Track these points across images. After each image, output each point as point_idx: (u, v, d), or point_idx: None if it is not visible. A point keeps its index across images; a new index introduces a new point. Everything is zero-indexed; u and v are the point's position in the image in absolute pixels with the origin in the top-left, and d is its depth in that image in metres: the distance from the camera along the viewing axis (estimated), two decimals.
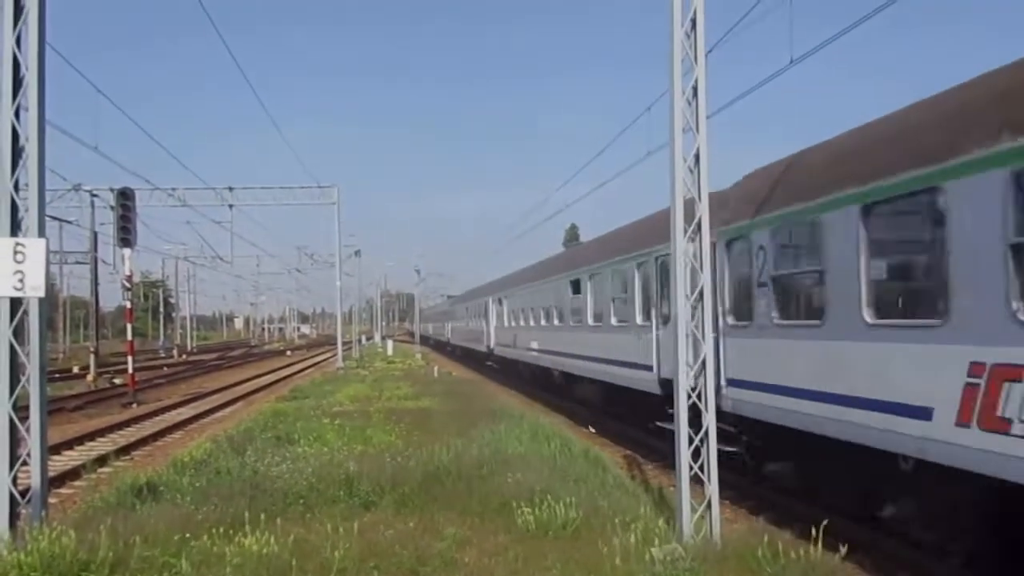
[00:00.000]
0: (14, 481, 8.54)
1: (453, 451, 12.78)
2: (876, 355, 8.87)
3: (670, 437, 9.50)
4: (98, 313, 47.01)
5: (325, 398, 24.69)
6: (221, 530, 8.45)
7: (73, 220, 42.44)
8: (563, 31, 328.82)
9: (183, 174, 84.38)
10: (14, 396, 8.52)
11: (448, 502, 10.10)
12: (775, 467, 12.41)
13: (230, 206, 44.43)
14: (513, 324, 33.84)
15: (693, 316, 8.82)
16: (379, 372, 38.85)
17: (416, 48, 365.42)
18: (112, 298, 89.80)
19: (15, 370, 8.55)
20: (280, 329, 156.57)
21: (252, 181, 43.65)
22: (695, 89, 8.69)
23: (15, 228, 8.54)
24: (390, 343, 71.30)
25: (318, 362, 61.18)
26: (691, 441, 8.64)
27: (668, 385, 11.39)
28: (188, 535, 8.35)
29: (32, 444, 8.52)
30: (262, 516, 8.96)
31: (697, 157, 8.73)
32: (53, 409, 22.50)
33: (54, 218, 40.15)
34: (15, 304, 8.53)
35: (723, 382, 12.34)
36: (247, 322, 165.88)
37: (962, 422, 7.45)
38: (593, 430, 20.45)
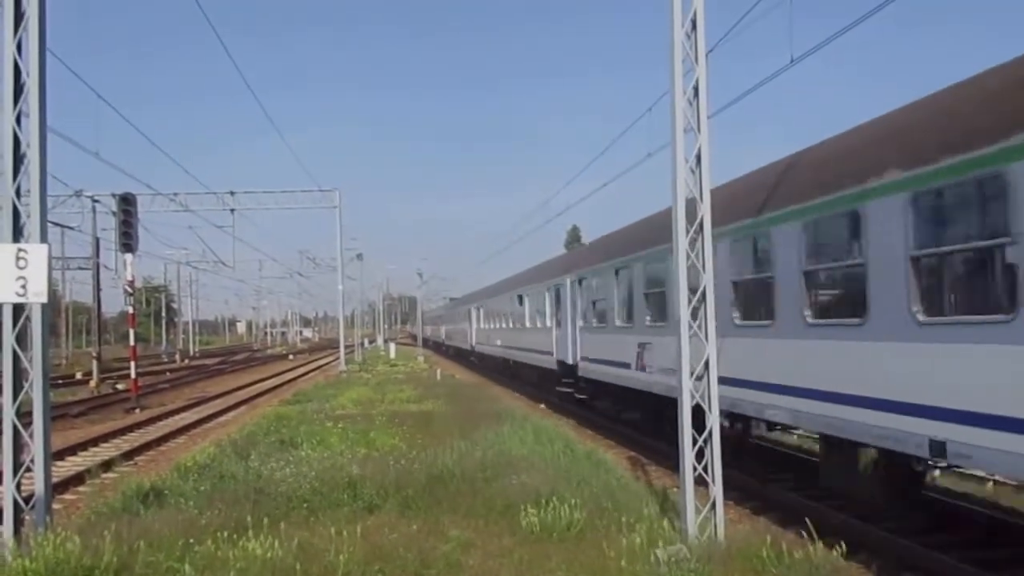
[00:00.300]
0: (18, 487, 8.55)
1: (456, 453, 12.77)
2: (624, 339, 17.71)
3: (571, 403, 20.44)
4: (100, 318, 47.02)
5: (328, 401, 24.69)
6: (225, 535, 8.46)
7: (75, 226, 42.42)
8: (564, 35, 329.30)
9: (185, 179, 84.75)
10: (17, 402, 8.53)
11: (452, 505, 10.10)
12: (601, 403, 22.05)
13: (232, 210, 44.48)
14: (486, 327, 43.97)
15: (696, 317, 8.80)
16: (382, 375, 38.84)
17: (418, 53, 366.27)
18: (114, 303, 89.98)
19: (18, 376, 8.56)
20: (282, 333, 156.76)
21: (254, 186, 43.65)
22: (696, 89, 8.69)
23: (17, 234, 8.56)
24: (392, 346, 71.30)
25: (321, 366, 61.20)
26: (695, 442, 8.63)
27: (560, 364, 24.35)
28: (192, 540, 8.35)
29: (36, 450, 8.53)
30: (266, 520, 8.95)
31: (698, 157, 8.73)
32: (56, 415, 22.48)
33: (56, 224, 40.15)
34: (18, 310, 8.54)
35: (579, 358, 22.46)
36: (249, 326, 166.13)
37: (636, 367, 16.80)
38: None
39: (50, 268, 8.57)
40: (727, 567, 7.72)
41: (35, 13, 8.55)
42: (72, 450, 19.28)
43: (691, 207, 8.76)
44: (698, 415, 8.67)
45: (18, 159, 8.58)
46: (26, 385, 8.57)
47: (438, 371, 39.34)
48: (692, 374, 8.68)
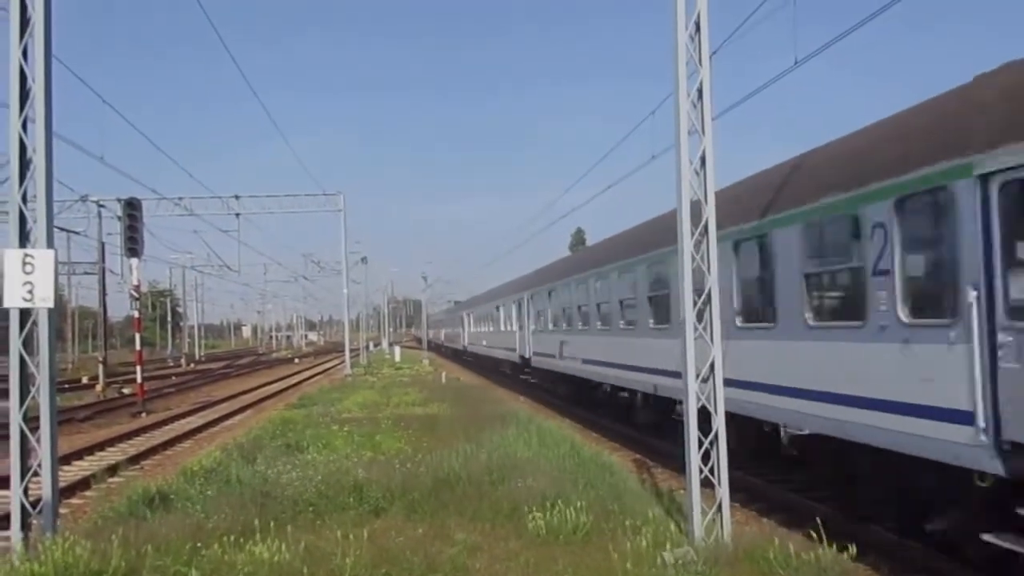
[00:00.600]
0: (25, 492, 8.57)
1: (462, 456, 12.77)
2: (552, 338, 26.07)
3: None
4: (106, 323, 47.13)
5: (334, 405, 24.71)
6: (232, 538, 8.46)
7: (81, 231, 42.60)
8: (568, 38, 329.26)
9: (190, 183, 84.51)
10: (24, 407, 8.55)
11: (458, 508, 10.10)
12: (548, 386, 30.23)
13: (237, 215, 44.49)
14: (475, 330, 53.76)
15: (701, 319, 8.80)
16: (387, 379, 38.85)
17: (422, 57, 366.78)
18: (120, 308, 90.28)
19: (25, 381, 8.58)
20: (288, 337, 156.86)
21: (259, 190, 43.71)
22: (700, 91, 8.69)
23: (24, 239, 8.59)
24: (397, 349, 71.25)
25: (326, 369, 61.25)
26: (700, 444, 8.62)
27: (521, 358, 33.32)
28: (199, 544, 8.36)
29: (43, 455, 8.55)
30: (272, 524, 8.96)
31: (703, 159, 8.73)
32: (62, 419, 22.57)
33: (62, 229, 40.29)
34: (24, 315, 8.56)
35: (531, 353, 30.96)
36: (255, 330, 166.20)
37: (559, 357, 25.61)
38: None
39: (56, 273, 8.60)
40: (734, 569, 7.72)
41: (40, 19, 8.58)
42: (79, 454, 19.32)
43: (696, 209, 8.75)
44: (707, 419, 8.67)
45: (24, 164, 8.61)
46: (33, 390, 8.59)
47: (443, 374, 39.35)
48: (698, 376, 8.68)
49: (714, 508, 8.58)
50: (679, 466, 10.09)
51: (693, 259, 8.70)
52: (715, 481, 8.63)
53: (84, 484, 15.66)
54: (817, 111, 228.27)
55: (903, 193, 8.41)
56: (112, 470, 16.76)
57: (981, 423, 7.19)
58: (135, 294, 31.26)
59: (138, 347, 31.98)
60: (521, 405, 26.19)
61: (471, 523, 9.53)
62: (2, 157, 10.41)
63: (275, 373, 57.49)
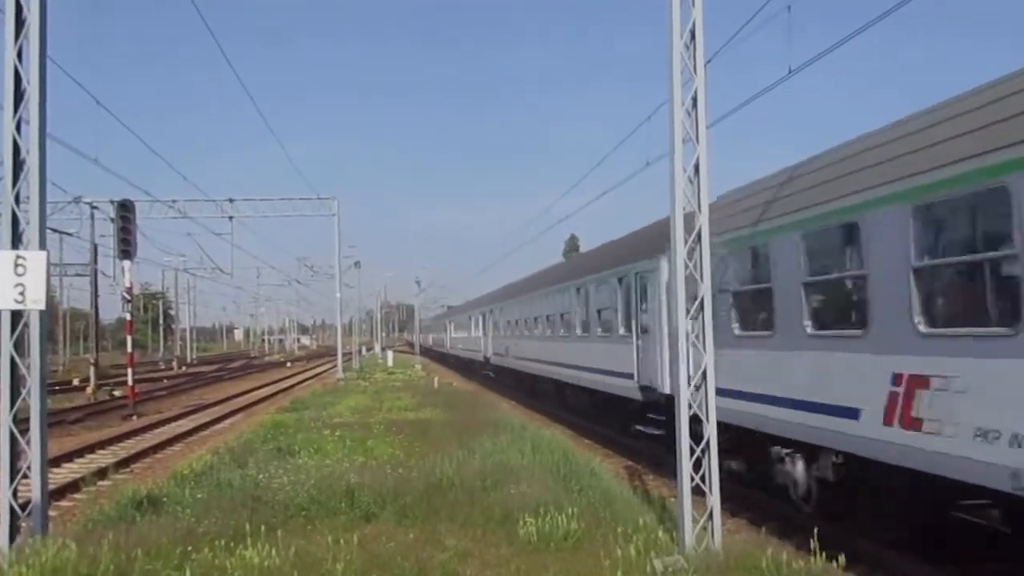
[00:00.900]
0: (14, 494, 8.53)
1: (454, 462, 12.75)
2: (505, 343, 38.13)
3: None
4: (98, 325, 47.01)
5: (325, 409, 24.65)
6: (223, 543, 8.44)
7: (73, 232, 42.44)
8: (564, 44, 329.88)
9: (183, 186, 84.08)
10: (14, 409, 8.52)
11: (450, 513, 10.08)
12: (501, 378, 40.77)
13: (230, 218, 44.50)
14: (456, 335, 64.78)
15: (693, 328, 8.81)
16: (379, 383, 38.80)
17: (417, 62, 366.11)
18: (112, 310, 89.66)
19: (15, 383, 8.55)
20: (280, 340, 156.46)
21: (253, 193, 43.61)
22: (695, 99, 8.71)
23: (16, 241, 8.56)
24: (390, 354, 71.21)
25: (318, 373, 61.15)
26: (692, 452, 8.63)
27: (484, 358, 45.08)
28: (190, 548, 8.33)
29: (32, 457, 8.52)
30: (263, 528, 8.94)
31: (697, 167, 8.75)
32: (53, 422, 22.48)
33: (54, 230, 40.12)
34: (16, 317, 8.54)
35: (491, 354, 42.85)
36: (247, 333, 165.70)
37: (508, 356, 37.09)
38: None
39: (48, 275, 8.57)
40: None
41: (36, 20, 8.57)
42: (68, 457, 19.25)
43: (690, 217, 8.78)
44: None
45: (18, 165, 8.59)
46: (23, 392, 8.55)
47: (436, 379, 39.33)
48: (690, 383, 8.69)
49: (705, 516, 8.58)
50: (671, 474, 10.09)
51: (686, 267, 8.72)
52: (706, 489, 8.63)
53: (74, 487, 15.61)
54: (813, 120, 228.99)
55: None
56: (102, 473, 16.69)
57: (635, 378, 17.45)
58: (127, 296, 31.16)
59: (129, 349, 31.88)
60: (514, 411, 26.21)
61: (462, 529, 9.52)
62: None
63: (267, 377, 57.38)
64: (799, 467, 11.33)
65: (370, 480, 11.41)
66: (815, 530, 8.58)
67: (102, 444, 21.68)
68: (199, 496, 11.24)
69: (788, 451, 11.46)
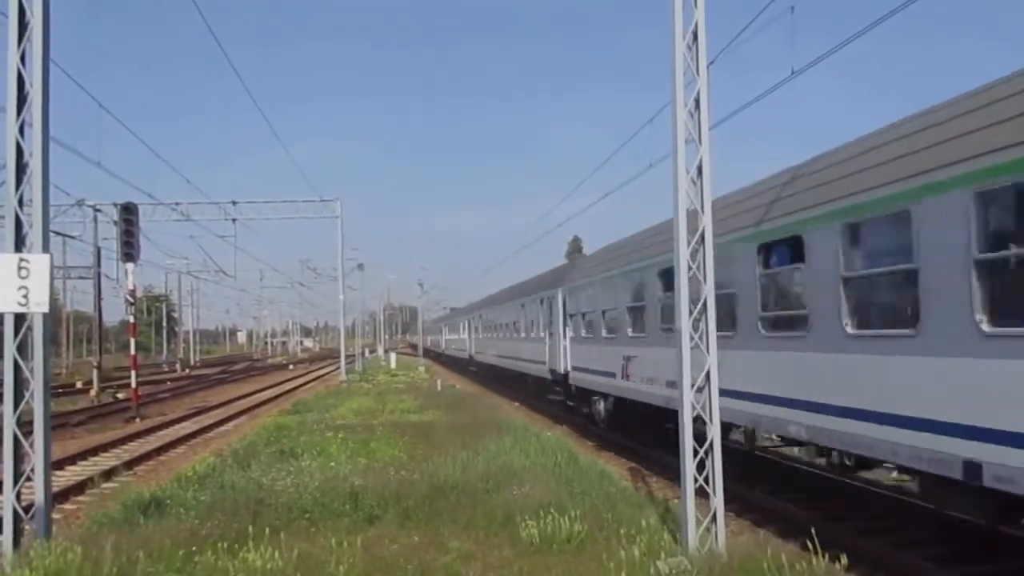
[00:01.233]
0: (18, 497, 8.54)
1: (458, 464, 12.75)
2: (484, 342, 46.60)
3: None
4: (101, 328, 47.07)
5: (328, 412, 24.65)
6: (225, 545, 8.44)
7: (76, 235, 42.53)
8: (566, 47, 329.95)
9: (186, 189, 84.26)
10: (18, 411, 8.53)
11: (453, 516, 10.07)
12: (483, 373, 48.53)
13: (233, 220, 44.52)
14: (449, 337, 73.76)
15: (697, 328, 8.79)
16: (382, 385, 38.80)
17: (419, 65, 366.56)
18: (115, 313, 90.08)
19: (19, 385, 8.56)
20: (283, 343, 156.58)
21: (256, 196, 43.61)
22: (697, 101, 8.71)
23: (19, 244, 8.58)
24: (393, 356, 71.22)
25: (321, 375, 61.16)
26: (695, 454, 8.61)
27: (469, 355, 54.40)
28: (193, 550, 8.34)
29: (36, 460, 8.53)
30: (266, 531, 8.93)
31: (700, 168, 8.74)
32: (56, 424, 22.45)
33: (58, 233, 40.23)
34: (19, 319, 8.55)
35: (474, 352, 51.75)
36: (250, 336, 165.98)
37: (485, 353, 46.52)
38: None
39: (52, 278, 8.58)
40: None
41: (39, 24, 8.58)
42: (72, 460, 19.26)
43: (693, 217, 8.78)
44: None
45: (21, 169, 8.60)
46: (27, 394, 8.57)
47: (438, 381, 39.32)
48: (693, 385, 8.67)
49: (708, 518, 8.56)
50: (674, 475, 10.08)
51: (689, 268, 8.71)
52: (710, 491, 8.61)
53: (77, 489, 15.61)
54: (816, 121, 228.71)
55: None
56: (106, 475, 16.69)
57: (547, 363, 26.43)
58: (130, 299, 31.19)
59: (133, 352, 31.92)
60: (517, 413, 26.19)
61: (465, 531, 9.51)
62: None
63: (270, 379, 57.39)
64: (599, 404, 20.93)
65: (373, 482, 11.41)
66: (819, 532, 8.57)
67: (105, 447, 21.68)
68: (202, 498, 11.24)
69: (595, 397, 21.19)
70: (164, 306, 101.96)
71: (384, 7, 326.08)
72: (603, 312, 20.06)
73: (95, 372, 39.47)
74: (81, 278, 52.06)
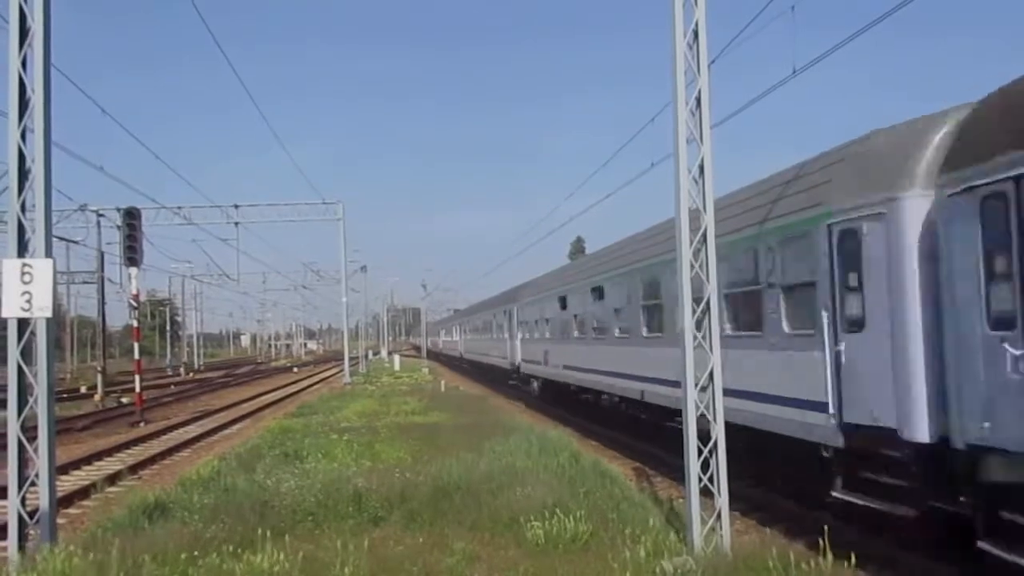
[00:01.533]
0: (23, 502, 8.55)
1: (462, 466, 12.74)
2: (471, 343, 57.73)
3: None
4: (105, 332, 47.03)
5: (333, 414, 24.66)
6: (230, 548, 8.46)
7: (80, 240, 42.44)
8: (567, 49, 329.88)
9: (189, 192, 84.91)
10: (22, 417, 8.54)
11: (457, 517, 10.08)
12: (470, 368, 58.97)
13: (236, 224, 44.51)
14: (445, 338, 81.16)
15: (699, 327, 8.79)
16: (386, 387, 38.80)
17: (422, 67, 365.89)
18: (119, 317, 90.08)
19: (23, 391, 8.57)
20: (287, 346, 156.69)
21: (258, 199, 43.66)
22: (698, 100, 8.70)
23: (22, 249, 8.59)
24: (397, 358, 71.25)
25: (325, 378, 61.20)
26: (700, 453, 8.61)
27: (460, 354, 65.44)
28: (197, 553, 8.33)
29: (40, 465, 8.54)
30: (271, 533, 8.94)
31: (701, 167, 8.74)
32: (61, 429, 22.49)
33: (61, 238, 40.14)
34: (23, 325, 8.56)
35: (465, 351, 61.80)
36: (254, 339, 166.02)
37: (472, 352, 57.89)
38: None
39: (55, 283, 8.60)
40: None
41: (40, 29, 8.60)
42: (76, 464, 19.27)
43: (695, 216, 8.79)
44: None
45: (23, 174, 8.62)
46: (31, 400, 8.58)
47: (442, 382, 39.35)
48: (696, 384, 8.67)
49: (713, 517, 8.56)
50: (678, 475, 10.07)
51: (692, 267, 8.71)
52: (714, 490, 8.61)
53: (82, 494, 15.62)
54: (817, 119, 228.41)
55: None
56: (110, 480, 16.71)
57: (508, 358, 37.57)
58: (134, 303, 31.22)
59: (137, 356, 31.96)
60: (521, 414, 26.20)
61: (470, 532, 9.51)
62: (1, 166, 10.42)
63: (274, 382, 57.43)
64: (534, 384, 31.35)
65: (378, 484, 11.42)
66: (825, 530, 8.56)
67: (110, 451, 21.70)
68: (207, 502, 11.24)
69: (532, 379, 31.46)
70: (168, 310, 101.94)
71: (386, 8, 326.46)
72: (535, 321, 30.46)
73: (99, 377, 39.53)
74: (85, 283, 52.05)
